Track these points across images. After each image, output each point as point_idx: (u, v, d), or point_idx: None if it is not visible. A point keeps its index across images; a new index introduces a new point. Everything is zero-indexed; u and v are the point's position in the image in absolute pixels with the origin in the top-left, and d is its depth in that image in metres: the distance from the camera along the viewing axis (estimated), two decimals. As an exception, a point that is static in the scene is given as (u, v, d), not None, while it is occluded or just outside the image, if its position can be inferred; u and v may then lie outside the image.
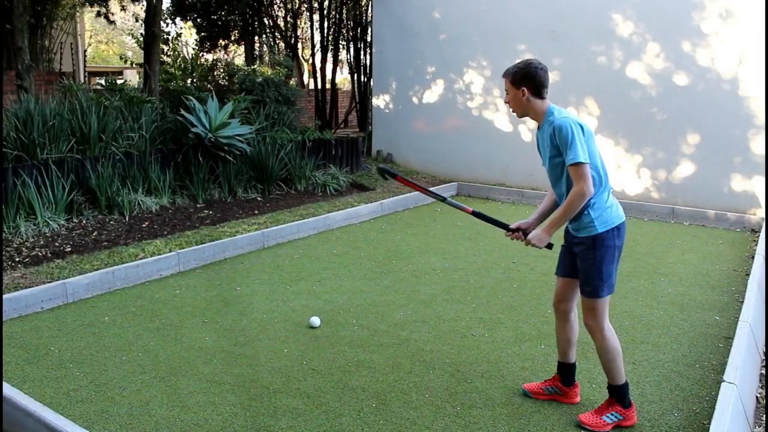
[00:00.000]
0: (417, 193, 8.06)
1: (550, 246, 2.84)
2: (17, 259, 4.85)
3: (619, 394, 2.81)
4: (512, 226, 2.91)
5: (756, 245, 6.04)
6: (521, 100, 2.75)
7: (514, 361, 3.50)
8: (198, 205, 6.88)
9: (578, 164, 2.58)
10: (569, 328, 2.97)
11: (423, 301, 4.44)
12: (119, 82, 8.37)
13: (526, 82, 2.72)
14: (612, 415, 2.81)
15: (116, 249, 5.21)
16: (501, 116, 8.75)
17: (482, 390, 3.17)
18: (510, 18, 8.45)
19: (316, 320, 3.98)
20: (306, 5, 13.65)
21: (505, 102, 2.84)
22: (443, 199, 3.03)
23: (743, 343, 3.29)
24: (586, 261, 2.73)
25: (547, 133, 2.72)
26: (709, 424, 2.58)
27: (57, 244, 5.26)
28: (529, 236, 2.82)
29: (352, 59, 13.51)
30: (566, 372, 3.02)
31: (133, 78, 17.00)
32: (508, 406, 3.02)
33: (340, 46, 13.65)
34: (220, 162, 7.29)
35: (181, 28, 13.75)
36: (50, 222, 5.54)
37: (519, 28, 8.39)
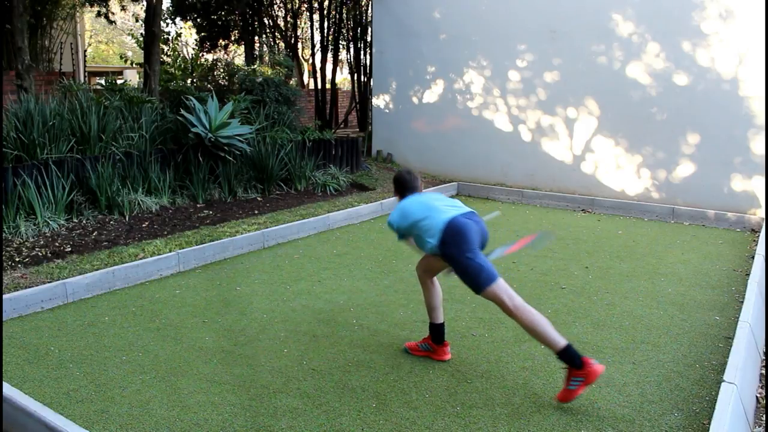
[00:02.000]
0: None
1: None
2: (17, 259, 4.85)
3: (568, 357, 2.94)
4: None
5: (756, 245, 6.04)
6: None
7: (513, 361, 3.50)
8: (198, 205, 6.88)
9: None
10: (428, 293, 3.47)
11: (423, 301, 4.43)
12: (119, 82, 8.37)
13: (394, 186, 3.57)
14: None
15: (116, 249, 5.21)
16: (501, 116, 8.75)
17: (482, 390, 3.17)
18: (510, 18, 8.45)
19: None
20: (306, 5, 13.66)
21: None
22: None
23: (743, 343, 3.29)
24: (457, 270, 3.12)
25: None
26: (709, 424, 2.58)
27: (57, 244, 5.26)
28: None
29: (352, 59, 13.51)
30: (435, 331, 3.48)
31: (133, 78, 16.99)
32: (508, 406, 3.02)
33: (340, 46, 13.65)
34: (220, 162, 7.29)
35: (181, 28, 13.78)
36: (50, 222, 5.55)
37: (519, 28, 8.39)
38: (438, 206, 3.23)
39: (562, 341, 2.94)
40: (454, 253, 3.07)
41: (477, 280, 3.03)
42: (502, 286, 3.03)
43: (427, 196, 3.39)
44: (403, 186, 3.50)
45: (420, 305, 4.35)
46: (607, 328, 3.99)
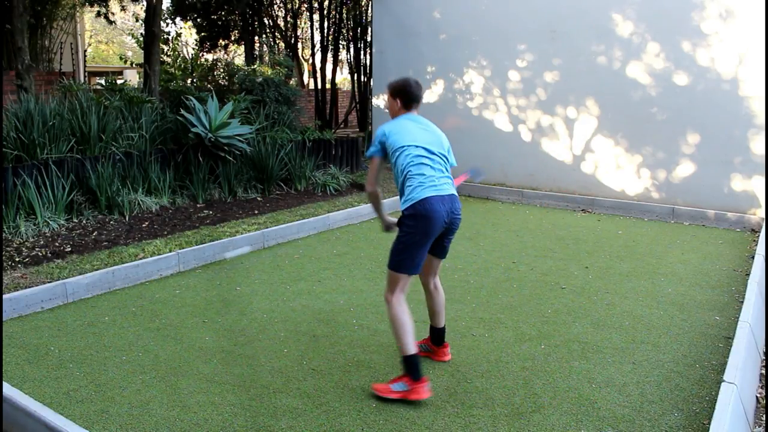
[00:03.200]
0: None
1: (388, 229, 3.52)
2: (17, 259, 4.85)
3: (406, 366, 2.99)
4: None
5: (756, 245, 6.04)
6: (395, 108, 3.29)
7: (514, 361, 3.50)
8: (198, 205, 6.88)
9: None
10: (429, 299, 3.45)
11: (423, 302, 4.41)
12: (119, 82, 8.37)
13: (397, 95, 3.26)
14: (399, 384, 3.04)
15: (116, 249, 5.21)
16: (501, 116, 8.75)
17: (482, 390, 3.17)
18: (510, 18, 8.45)
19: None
20: (306, 5, 13.65)
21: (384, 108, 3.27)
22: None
23: (743, 343, 3.29)
24: (396, 237, 3.15)
25: None
26: (709, 424, 2.57)
27: (57, 244, 5.26)
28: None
29: (352, 59, 13.51)
30: (434, 334, 3.47)
31: (133, 78, 16.99)
32: (508, 406, 3.02)
33: (340, 46, 13.66)
34: (220, 162, 7.29)
35: (181, 28, 13.77)
36: (50, 222, 5.55)
37: (519, 28, 8.39)
38: (428, 163, 3.12)
39: (413, 349, 3.00)
40: (408, 228, 3.06)
41: (397, 259, 3.09)
42: (407, 281, 3.12)
43: (425, 135, 3.19)
44: (406, 95, 3.22)
45: (420, 305, 4.35)
46: (607, 328, 3.99)
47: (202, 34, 12.45)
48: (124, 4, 11.85)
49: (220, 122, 7.19)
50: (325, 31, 13.11)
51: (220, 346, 3.65)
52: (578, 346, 3.71)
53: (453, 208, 3.18)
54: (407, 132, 3.16)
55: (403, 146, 3.12)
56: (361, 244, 5.98)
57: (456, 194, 3.25)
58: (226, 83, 9.26)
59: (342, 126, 13.96)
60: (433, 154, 3.18)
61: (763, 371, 3.53)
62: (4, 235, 5.21)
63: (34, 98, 6.31)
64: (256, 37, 13.25)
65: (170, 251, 5.14)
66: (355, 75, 13.47)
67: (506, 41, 8.52)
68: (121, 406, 2.96)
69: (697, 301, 4.54)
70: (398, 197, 3.20)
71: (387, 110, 3.32)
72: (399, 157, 3.12)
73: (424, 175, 3.10)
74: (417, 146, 3.13)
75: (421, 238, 3.06)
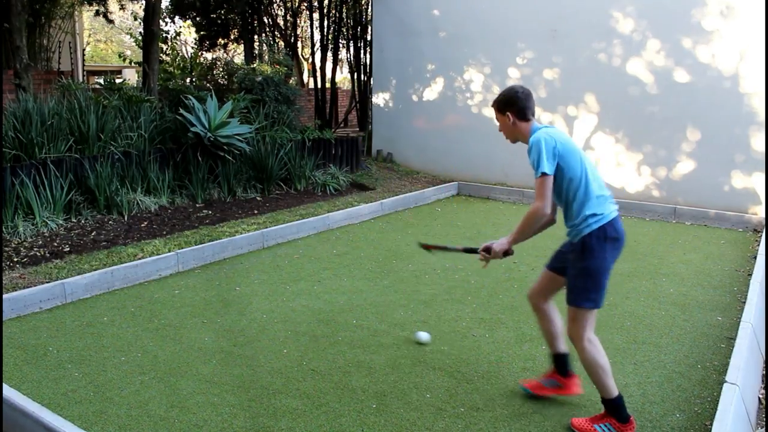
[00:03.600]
0: (417, 192, 8.06)
1: (508, 253, 2.84)
2: (15, 260, 4.82)
3: (611, 408, 2.72)
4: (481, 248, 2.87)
5: (758, 245, 6.02)
6: (508, 125, 2.84)
7: (515, 362, 3.49)
8: (197, 205, 6.86)
9: (538, 178, 2.63)
10: (545, 320, 2.99)
11: (423, 302, 4.42)
12: (118, 81, 8.34)
13: (509, 108, 2.82)
14: (605, 426, 2.73)
15: (115, 249, 5.19)
16: (501, 115, 8.72)
17: (483, 391, 3.16)
18: (510, 16, 8.43)
19: (424, 336, 3.70)
20: (306, 4, 13.63)
21: (499, 131, 2.92)
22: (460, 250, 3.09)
23: (745, 343, 3.28)
24: (575, 267, 2.73)
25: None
26: (711, 425, 2.56)
27: (55, 244, 5.24)
28: (494, 245, 2.81)
29: (352, 58, 13.49)
30: (558, 363, 3.01)
31: (131, 77, 16.97)
32: (508, 407, 3.00)
33: (340, 45, 13.63)
34: (219, 161, 7.27)
35: (180, 26, 13.73)
36: (49, 222, 5.52)
37: (519, 26, 8.37)
38: (600, 179, 2.73)
39: (615, 392, 2.72)
40: (599, 256, 2.64)
41: (588, 295, 2.67)
42: (593, 316, 2.74)
43: (570, 144, 2.70)
44: (527, 106, 2.82)
45: (420, 305, 4.34)
46: (609, 329, 3.97)
47: (202, 32, 12.42)
48: (122, 2, 11.82)
49: (219, 121, 7.17)
50: (325, 29, 13.09)
51: (220, 346, 3.63)
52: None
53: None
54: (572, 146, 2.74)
55: (573, 177, 2.70)
56: (361, 244, 5.96)
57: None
58: (226, 82, 9.23)
59: (342, 125, 13.93)
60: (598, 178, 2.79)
61: (765, 372, 3.52)
62: (2, 235, 5.19)
63: (33, 97, 6.29)
64: (256, 36, 13.23)
65: (169, 251, 5.12)
66: (355, 74, 13.44)
67: (506, 39, 8.50)
68: (119, 407, 2.94)
69: (699, 301, 4.52)
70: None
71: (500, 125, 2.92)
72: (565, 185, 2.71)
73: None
74: (582, 163, 2.73)
75: (614, 259, 2.70)
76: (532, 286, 3.04)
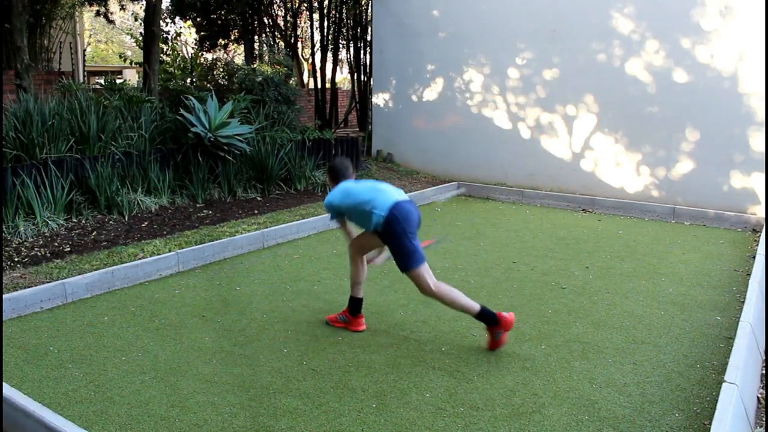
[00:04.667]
0: (417, 193, 8.06)
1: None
2: (16, 259, 4.84)
3: (484, 317, 3.53)
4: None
5: (757, 245, 6.03)
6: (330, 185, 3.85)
7: (513, 362, 3.49)
8: (197, 205, 6.87)
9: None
10: (360, 271, 3.85)
11: (423, 301, 4.43)
12: (118, 81, 8.35)
13: (328, 172, 3.90)
14: (496, 334, 3.57)
15: (115, 249, 5.20)
16: (501, 114, 8.74)
17: (483, 390, 3.16)
18: (509, 16, 8.44)
19: None
20: (306, 4, 13.64)
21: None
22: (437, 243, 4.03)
23: (744, 343, 3.28)
24: (391, 247, 3.53)
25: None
26: (710, 424, 2.57)
27: (56, 244, 5.25)
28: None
29: (352, 58, 13.50)
30: (354, 304, 3.86)
31: (132, 77, 16.98)
32: (508, 407, 3.01)
33: (340, 46, 13.64)
34: (219, 162, 7.28)
35: (180, 27, 13.74)
36: (49, 222, 5.53)
37: (519, 26, 8.38)
38: (384, 189, 3.62)
39: (476, 306, 3.47)
40: (397, 230, 3.45)
41: (409, 260, 3.45)
42: (426, 269, 3.48)
43: (368, 182, 3.74)
44: (339, 173, 3.82)
45: (420, 305, 4.35)
46: (608, 328, 3.98)
47: (202, 33, 12.42)
48: (123, 3, 11.83)
49: (219, 122, 7.18)
50: (325, 30, 13.09)
51: (220, 346, 3.64)
52: (579, 347, 3.70)
53: (415, 206, 3.78)
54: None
55: (361, 201, 3.66)
56: (345, 232, 5.96)
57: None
58: (226, 83, 9.24)
59: (342, 126, 13.94)
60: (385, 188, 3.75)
61: (764, 371, 3.53)
62: (3, 235, 5.20)
63: (33, 98, 6.30)
64: (256, 37, 13.24)
65: (170, 251, 5.13)
66: (355, 74, 13.45)
67: (506, 39, 8.51)
68: (120, 407, 2.95)
69: (698, 301, 4.53)
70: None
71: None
72: (358, 206, 3.66)
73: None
74: (367, 189, 3.70)
75: (410, 230, 3.58)
76: (356, 239, 3.84)
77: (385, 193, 3.60)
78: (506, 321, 3.52)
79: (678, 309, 4.35)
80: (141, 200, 6.37)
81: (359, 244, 3.84)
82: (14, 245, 5.10)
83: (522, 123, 8.56)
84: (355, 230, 3.86)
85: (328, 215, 6.72)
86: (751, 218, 6.89)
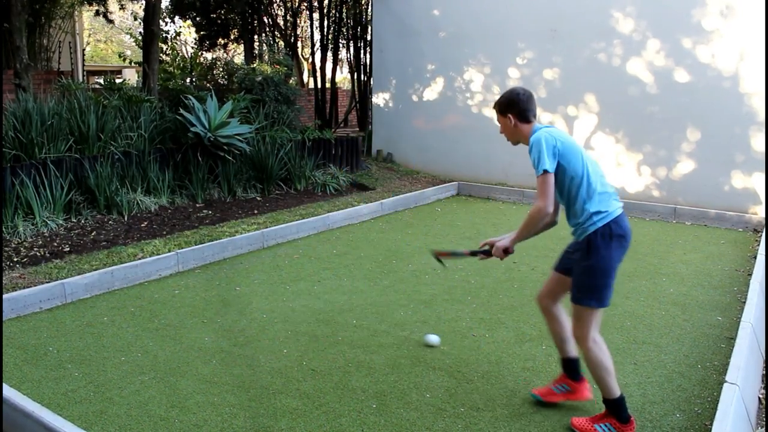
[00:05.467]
0: (417, 192, 8.05)
1: (507, 252, 2.85)
2: (15, 260, 4.82)
3: (613, 408, 2.72)
4: (484, 245, 2.92)
5: (758, 245, 6.02)
6: (510, 127, 2.84)
7: (515, 362, 3.48)
8: (197, 205, 6.86)
9: (539, 176, 2.62)
10: (554, 323, 2.96)
11: (423, 302, 4.42)
12: (118, 81, 8.34)
13: (510, 110, 2.82)
14: (605, 426, 2.73)
15: (115, 249, 5.19)
16: (501, 115, 8.72)
17: (483, 391, 3.16)
18: (510, 16, 8.43)
19: (434, 339, 3.69)
20: (306, 4, 13.63)
21: (500, 132, 2.92)
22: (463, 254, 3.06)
23: (745, 343, 3.27)
24: (580, 266, 2.73)
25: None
26: (711, 425, 2.56)
27: (55, 244, 5.24)
28: (496, 244, 2.84)
29: (352, 58, 13.49)
30: (568, 367, 2.96)
31: (131, 77, 16.97)
32: (508, 407, 3.00)
33: (340, 45, 13.63)
34: (219, 161, 7.27)
35: (180, 26, 13.73)
36: (48, 222, 5.52)
37: (519, 26, 8.37)
38: (605, 180, 2.74)
39: (617, 392, 2.71)
40: (604, 254, 2.63)
41: (592, 294, 2.65)
42: (598, 316, 2.72)
43: (580, 148, 2.72)
44: (529, 108, 2.83)
45: (420, 305, 4.34)
46: (609, 329, 3.97)
47: (202, 32, 12.42)
48: (122, 2, 11.82)
49: (219, 122, 7.17)
50: (325, 29, 13.09)
51: (220, 346, 3.63)
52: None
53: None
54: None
55: (576, 175, 2.70)
56: (361, 244, 5.96)
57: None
58: (226, 82, 9.23)
59: (342, 125, 13.93)
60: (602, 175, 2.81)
61: (765, 372, 3.52)
62: (2, 235, 5.18)
63: (33, 97, 6.29)
64: (256, 36, 13.23)
65: (169, 251, 5.12)
66: (355, 74, 13.45)
67: (506, 39, 8.50)
68: (119, 407, 2.94)
69: (699, 301, 4.52)
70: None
71: (501, 130, 2.91)
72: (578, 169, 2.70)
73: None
74: (584, 161, 2.74)
75: (620, 258, 2.69)
76: (540, 289, 3.02)
77: (610, 193, 2.73)
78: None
79: (679, 309, 4.34)
80: (140, 200, 6.36)
81: (548, 288, 2.97)
82: (13, 245, 5.09)
83: (522, 123, 8.55)
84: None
85: (328, 214, 6.72)
86: (753, 218, 6.88)
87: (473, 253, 2.98)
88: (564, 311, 2.95)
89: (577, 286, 2.71)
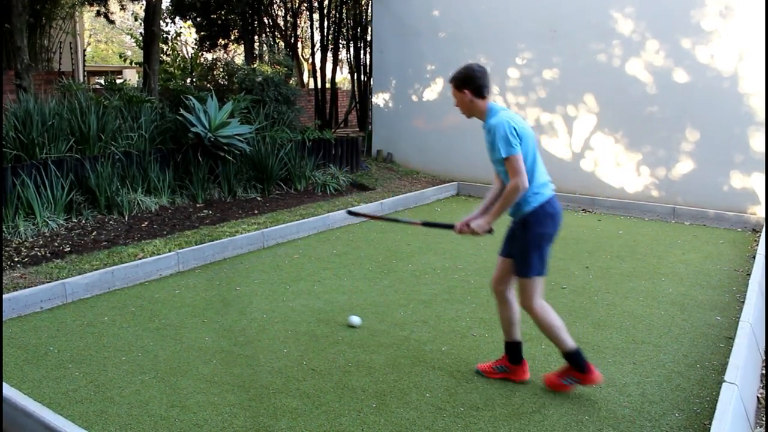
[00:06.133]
0: (417, 192, 8.06)
1: (491, 231, 3.09)
2: (16, 259, 4.83)
3: (572, 360, 3.04)
4: (457, 223, 3.13)
5: (757, 245, 6.03)
6: (466, 102, 3.00)
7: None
8: (197, 205, 6.87)
9: (509, 157, 2.85)
10: (508, 308, 3.20)
11: (423, 301, 4.43)
12: (118, 81, 8.36)
13: (467, 85, 2.96)
14: (569, 379, 3.08)
15: (115, 249, 5.20)
16: (501, 115, 8.73)
17: (482, 390, 3.16)
18: (510, 16, 8.44)
19: (356, 319, 3.95)
20: (306, 4, 13.64)
21: (455, 106, 3.06)
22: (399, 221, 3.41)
23: (744, 343, 3.28)
24: (519, 243, 3.03)
25: (486, 131, 3.01)
26: (710, 424, 2.57)
27: (56, 244, 5.25)
28: (472, 224, 3.06)
29: (352, 58, 13.50)
30: (511, 350, 3.22)
31: (132, 77, 16.98)
32: (508, 407, 3.01)
33: (340, 46, 13.64)
34: (219, 162, 7.28)
35: (180, 27, 13.74)
36: (49, 222, 5.53)
37: (518, 26, 8.38)
38: (540, 163, 3.00)
39: (572, 344, 3.04)
40: (538, 229, 2.94)
41: (534, 265, 2.96)
42: (540, 283, 3.03)
43: (527, 128, 2.96)
44: (485, 84, 2.95)
45: (420, 305, 4.35)
46: (608, 328, 3.98)
47: (202, 33, 12.42)
48: (123, 3, 11.83)
49: (219, 122, 7.18)
50: (325, 30, 13.10)
51: (220, 346, 3.64)
52: (579, 346, 3.70)
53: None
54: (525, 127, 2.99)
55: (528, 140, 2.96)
56: (361, 244, 5.97)
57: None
58: (226, 83, 9.24)
59: (342, 126, 13.94)
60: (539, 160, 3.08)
61: (764, 371, 3.53)
62: (3, 235, 5.20)
63: (34, 98, 6.30)
64: (256, 37, 13.24)
65: (170, 251, 5.13)
66: (355, 74, 13.45)
67: (506, 39, 8.51)
68: (120, 407, 2.95)
69: (698, 301, 4.53)
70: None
71: (458, 107, 3.05)
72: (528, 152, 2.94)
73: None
74: (532, 148, 2.99)
75: (553, 235, 3.03)
76: (493, 275, 3.26)
77: (546, 182, 3.03)
78: (592, 378, 3.03)
79: (678, 309, 4.35)
80: (141, 200, 6.37)
81: (496, 275, 3.20)
82: (14, 245, 5.10)
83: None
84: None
85: (328, 214, 6.73)
86: (751, 218, 6.89)
87: (435, 225, 3.25)
88: (515, 296, 3.19)
89: (520, 261, 3.02)
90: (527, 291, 3.01)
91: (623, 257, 5.63)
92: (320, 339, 3.76)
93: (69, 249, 5.16)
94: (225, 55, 12.92)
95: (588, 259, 5.54)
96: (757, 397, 3.21)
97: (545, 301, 3.07)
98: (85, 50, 14.88)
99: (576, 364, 3.03)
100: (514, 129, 2.86)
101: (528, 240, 2.96)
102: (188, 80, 9.47)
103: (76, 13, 12.01)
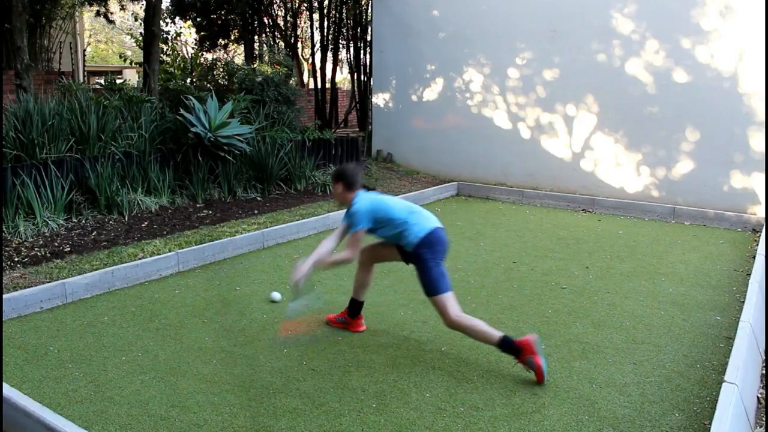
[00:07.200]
0: (417, 192, 8.06)
1: (298, 282, 3.44)
2: (16, 259, 4.84)
3: (507, 349, 3.26)
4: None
5: (757, 245, 6.03)
6: (339, 192, 3.59)
7: (514, 361, 3.49)
8: (197, 205, 6.87)
9: (354, 233, 3.48)
10: (367, 274, 3.81)
11: (423, 301, 4.42)
12: (118, 81, 8.35)
13: (341, 180, 3.56)
14: (529, 360, 3.23)
15: (115, 249, 5.20)
16: (501, 114, 8.74)
17: (482, 390, 3.17)
18: (509, 16, 8.44)
19: (276, 295, 4.37)
20: (306, 4, 13.64)
21: (334, 195, 3.66)
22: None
23: (744, 343, 3.28)
24: (420, 272, 3.41)
25: (349, 214, 3.56)
26: (710, 424, 2.57)
27: (56, 244, 5.25)
28: (299, 267, 3.46)
29: (351, 58, 13.50)
30: (353, 307, 3.86)
31: (132, 77, 16.99)
32: (508, 407, 3.01)
33: (340, 46, 13.64)
34: (219, 162, 7.28)
35: (180, 27, 13.74)
36: (49, 222, 5.53)
37: (518, 26, 8.38)
38: (420, 211, 3.56)
39: (497, 334, 3.28)
40: (428, 256, 3.38)
41: (437, 285, 3.33)
42: (452, 297, 3.36)
43: (401, 201, 3.67)
44: (355, 180, 3.62)
45: (420, 305, 4.35)
46: (608, 329, 3.98)
47: (202, 33, 12.43)
48: (123, 3, 11.84)
49: (219, 122, 7.18)
50: (325, 30, 13.10)
51: (220, 346, 3.64)
52: (579, 347, 3.70)
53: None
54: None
55: (395, 218, 3.51)
56: (360, 244, 5.96)
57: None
58: (226, 83, 9.24)
59: (342, 126, 13.94)
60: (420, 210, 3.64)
61: (764, 371, 3.53)
62: (3, 235, 5.20)
63: (33, 98, 6.30)
64: (256, 37, 13.24)
65: (170, 251, 5.13)
66: (355, 74, 13.46)
67: (506, 39, 8.51)
68: (120, 407, 2.95)
69: (698, 301, 4.53)
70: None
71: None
72: (391, 222, 3.51)
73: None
74: (403, 207, 3.58)
75: (442, 256, 3.46)
76: (369, 247, 3.76)
77: (423, 217, 3.53)
78: (525, 343, 3.23)
79: (678, 309, 4.35)
80: (141, 200, 6.37)
81: (374, 252, 3.77)
82: (14, 245, 5.10)
83: (522, 123, 8.56)
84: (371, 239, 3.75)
85: (328, 214, 6.74)
86: (751, 218, 6.89)
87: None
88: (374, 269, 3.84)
89: (424, 284, 3.41)
90: (443, 307, 3.34)
91: (623, 257, 5.63)
92: (320, 339, 3.76)
93: (69, 249, 5.17)
94: (225, 55, 12.93)
95: (588, 259, 5.54)
96: (757, 397, 3.22)
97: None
98: (85, 50, 14.88)
99: (512, 350, 3.25)
100: (369, 213, 3.48)
101: (424, 268, 3.39)
102: (188, 80, 9.47)
103: (76, 13, 12.02)
